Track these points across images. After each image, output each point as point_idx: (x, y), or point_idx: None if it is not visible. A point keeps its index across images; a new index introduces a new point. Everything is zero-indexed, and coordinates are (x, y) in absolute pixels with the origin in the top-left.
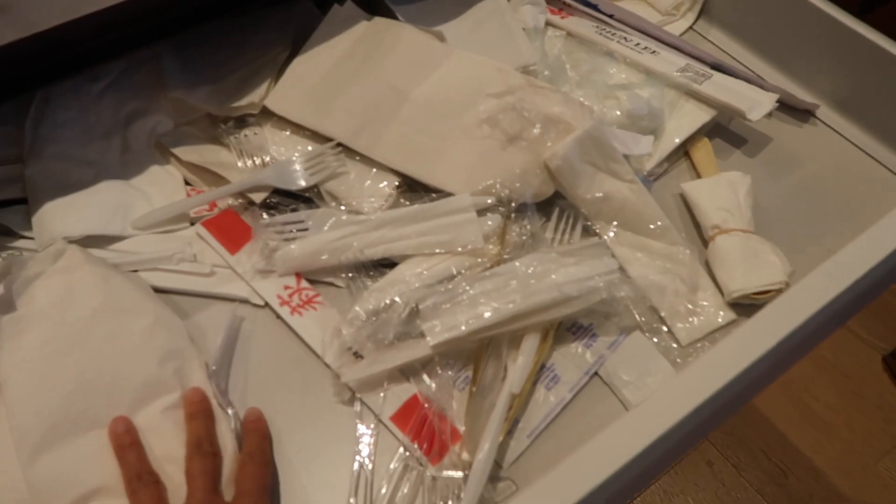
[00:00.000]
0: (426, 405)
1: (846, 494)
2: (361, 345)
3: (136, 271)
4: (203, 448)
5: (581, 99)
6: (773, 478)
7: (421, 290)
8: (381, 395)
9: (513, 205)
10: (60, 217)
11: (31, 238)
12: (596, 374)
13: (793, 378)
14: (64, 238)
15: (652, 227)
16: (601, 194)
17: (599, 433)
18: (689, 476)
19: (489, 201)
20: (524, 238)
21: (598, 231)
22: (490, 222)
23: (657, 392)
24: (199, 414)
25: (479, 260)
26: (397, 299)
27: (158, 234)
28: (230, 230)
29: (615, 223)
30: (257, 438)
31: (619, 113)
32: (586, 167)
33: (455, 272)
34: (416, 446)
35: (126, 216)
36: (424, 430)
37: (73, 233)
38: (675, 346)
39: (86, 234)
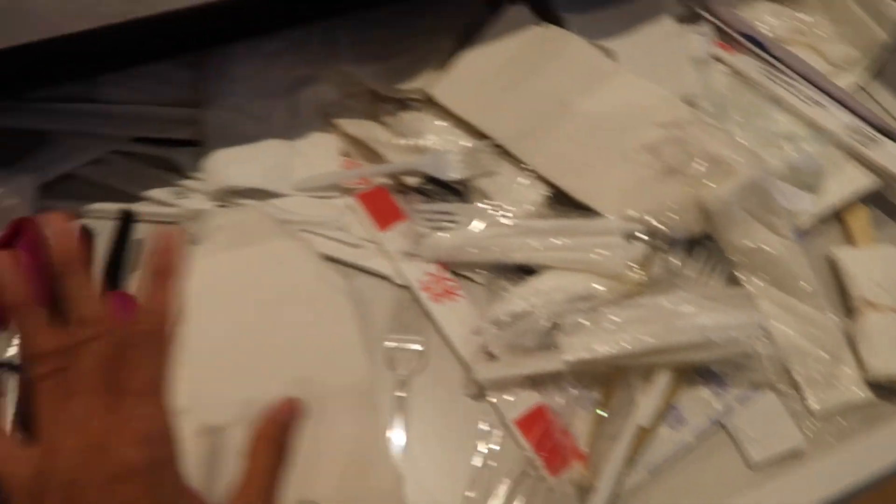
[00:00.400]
0: (552, 417)
1: None
2: (499, 346)
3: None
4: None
5: (744, 143)
6: None
7: (562, 304)
8: (510, 398)
9: (660, 238)
10: (230, 165)
11: (198, 179)
12: (722, 424)
13: None
14: (229, 187)
15: (800, 287)
16: (754, 245)
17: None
18: None
19: (638, 229)
20: (666, 272)
21: (743, 281)
22: (637, 250)
23: (789, 474)
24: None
25: (621, 285)
26: (539, 310)
27: (312, 199)
28: (381, 207)
29: (762, 276)
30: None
31: (780, 163)
32: (744, 214)
33: (595, 292)
34: (536, 454)
35: (286, 175)
36: (547, 441)
37: (239, 183)
38: (806, 412)
39: (250, 186)
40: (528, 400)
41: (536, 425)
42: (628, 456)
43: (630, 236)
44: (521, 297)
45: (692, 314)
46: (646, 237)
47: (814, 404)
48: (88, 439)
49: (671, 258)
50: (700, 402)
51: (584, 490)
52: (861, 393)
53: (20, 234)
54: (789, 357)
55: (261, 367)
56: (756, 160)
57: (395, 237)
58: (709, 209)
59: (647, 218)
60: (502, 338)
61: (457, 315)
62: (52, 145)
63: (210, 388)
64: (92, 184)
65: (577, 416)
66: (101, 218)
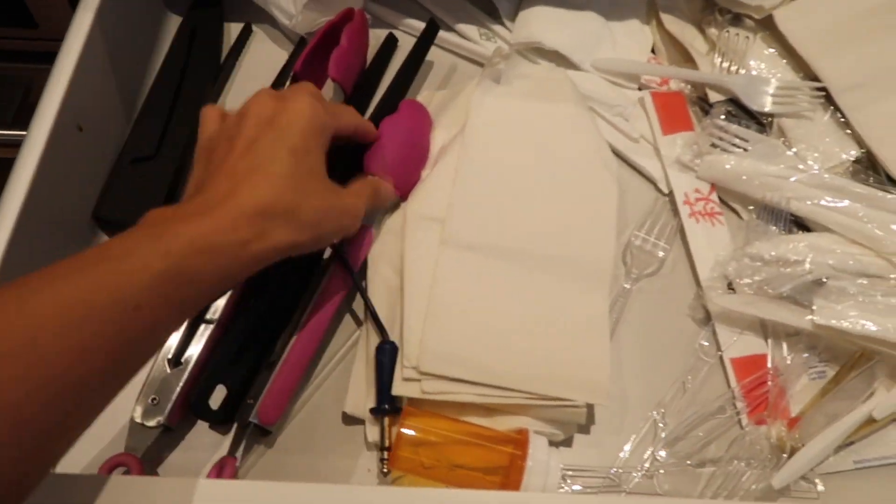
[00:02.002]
0: (772, 371)
1: None
2: (747, 281)
3: None
4: None
5: None
6: None
7: (832, 268)
8: (734, 335)
9: None
10: (542, 24)
11: (509, 28)
12: None
13: None
14: (534, 43)
15: None
16: None
17: None
18: None
19: None
20: None
21: None
22: None
23: None
24: None
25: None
26: (809, 261)
27: (605, 81)
28: (673, 111)
29: None
30: None
31: None
32: None
33: (873, 272)
34: (743, 398)
35: (590, 51)
36: (758, 391)
37: (546, 43)
38: None
39: (554, 48)
40: (753, 345)
41: (753, 372)
42: (844, 438)
43: None
44: (790, 243)
45: None
46: None
47: None
48: (258, 117)
49: None
50: None
51: (780, 450)
52: None
53: (349, 20)
54: None
55: (520, 212)
56: None
57: (675, 144)
58: None
59: None
60: (756, 274)
61: (710, 239)
62: None
63: (468, 210)
64: (415, 3)
65: (800, 381)
66: (409, 34)
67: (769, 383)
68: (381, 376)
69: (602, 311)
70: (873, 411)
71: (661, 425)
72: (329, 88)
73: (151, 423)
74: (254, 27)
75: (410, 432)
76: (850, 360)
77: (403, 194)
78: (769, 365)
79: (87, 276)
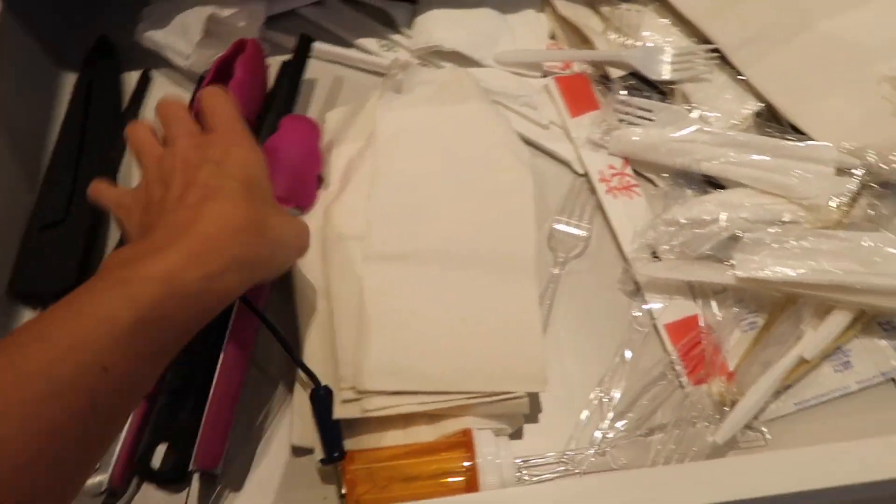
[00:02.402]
0: (705, 330)
1: None
2: (668, 247)
3: None
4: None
5: None
6: None
7: (747, 221)
8: (664, 301)
9: (877, 178)
10: (439, 27)
11: (408, 36)
12: (893, 380)
13: None
14: (434, 47)
15: None
16: None
17: (882, 437)
18: None
19: (854, 163)
20: (871, 215)
21: None
22: (846, 186)
23: None
24: None
25: (817, 217)
26: (723, 218)
27: (509, 73)
28: (578, 93)
29: None
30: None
31: None
32: None
33: (787, 219)
34: (681, 360)
35: (490, 46)
36: (694, 351)
37: (445, 45)
38: None
39: (455, 49)
40: (684, 308)
41: (687, 334)
42: (779, 383)
43: (841, 169)
44: (703, 204)
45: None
46: (860, 173)
47: None
48: (186, 159)
49: (883, 202)
50: (875, 352)
51: (722, 405)
52: None
53: (242, 51)
54: None
55: (438, 216)
56: None
57: (584, 125)
58: None
59: (867, 153)
60: (674, 239)
61: (629, 212)
62: None
63: (386, 223)
64: (311, 23)
65: (733, 334)
66: (310, 56)
67: (703, 342)
68: (323, 425)
69: (530, 301)
70: (804, 353)
71: (606, 401)
72: None
73: (96, 489)
74: (152, 73)
75: (360, 472)
76: (777, 306)
77: (303, 206)
78: (701, 324)
79: (46, 344)
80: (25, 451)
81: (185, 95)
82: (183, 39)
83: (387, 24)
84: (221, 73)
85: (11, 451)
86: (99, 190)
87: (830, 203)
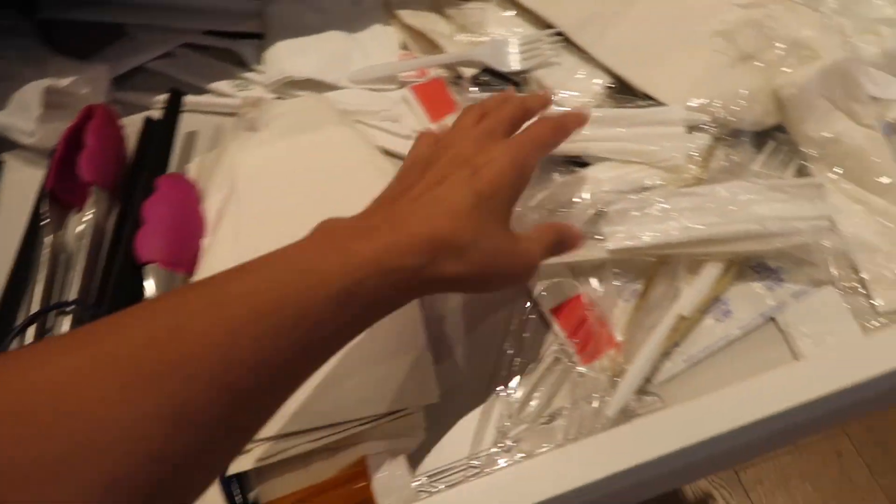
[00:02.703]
0: (589, 307)
1: None
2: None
3: None
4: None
5: (834, 25)
6: None
7: (611, 194)
8: (546, 287)
9: (726, 129)
10: (289, 57)
11: (261, 72)
12: (772, 319)
13: None
14: (287, 78)
15: (879, 181)
16: (831, 135)
17: (763, 374)
18: (813, 463)
19: (702, 119)
20: (727, 165)
21: (814, 174)
22: (699, 142)
23: (836, 348)
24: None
25: (677, 177)
26: (586, 196)
27: (367, 91)
28: (436, 99)
29: (837, 169)
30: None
31: (876, 51)
32: (822, 102)
33: (650, 184)
34: (570, 342)
35: (344, 67)
36: (582, 330)
37: (298, 74)
38: (869, 312)
39: (308, 77)
40: (567, 289)
41: (573, 314)
42: (664, 344)
43: (692, 126)
44: (567, 185)
45: (751, 203)
46: (710, 127)
47: (878, 301)
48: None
49: (736, 151)
50: (751, 297)
51: (614, 377)
52: None
53: (91, 118)
54: (857, 253)
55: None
56: (844, 43)
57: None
58: (783, 96)
59: (712, 107)
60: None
61: None
62: (127, 39)
63: None
64: (162, 76)
65: (617, 306)
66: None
67: (589, 319)
68: (223, 485)
69: (410, 314)
70: (681, 310)
71: (504, 396)
72: (92, 193)
73: None
74: (4, 157)
75: None
76: (653, 271)
77: (187, 269)
78: (585, 302)
79: (271, 279)
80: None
81: (38, 174)
82: (23, 117)
83: (238, 63)
84: (72, 144)
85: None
86: (422, 139)
87: (687, 163)
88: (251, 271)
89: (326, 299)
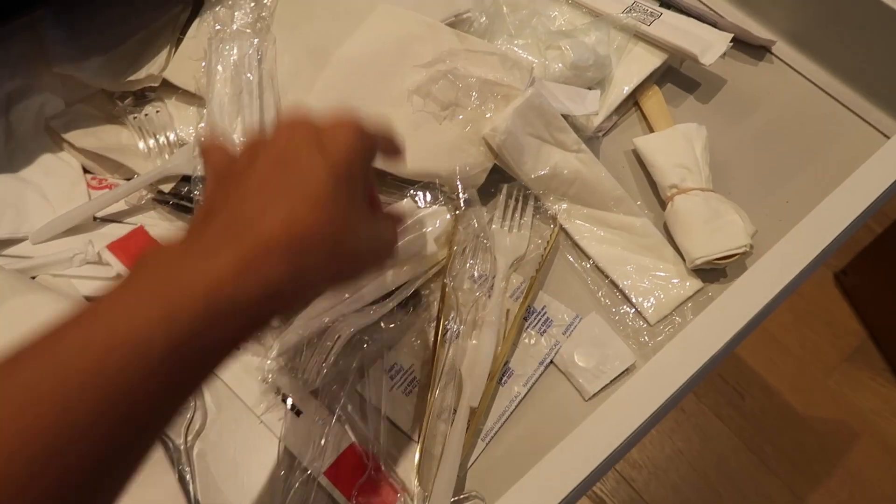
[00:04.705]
0: (364, 454)
1: (799, 411)
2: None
3: (34, 277)
4: None
5: (520, 52)
6: (731, 400)
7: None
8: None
9: (459, 197)
10: None
11: None
12: (552, 362)
13: None
14: None
15: (608, 197)
16: (549, 169)
17: (561, 443)
18: (665, 420)
19: (428, 198)
20: (474, 233)
21: (550, 207)
22: (437, 223)
23: (620, 392)
24: None
25: (431, 268)
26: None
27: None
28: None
29: (569, 198)
30: None
31: (561, 65)
32: (531, 140)
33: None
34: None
35: (18, 214)
36: (364, 485)
37: None
38: (643, 324)
39: None
40: (341, 444)
41: (353, 471)
42: (466, 444)
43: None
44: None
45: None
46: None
47: (648, 313)
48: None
49: (474, 218)
50: (526, 348)
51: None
52: (689, 285)
53: None
54: (610, 271)
55: None
56: (527, 76)
57: None
58: (494, 145)
59: (437, 183)
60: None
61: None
62: None
63: None
64: None
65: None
66: None
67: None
68: None
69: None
70: (471, 403)
71: None
72: None
73: None
74: None
75: None
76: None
77: None
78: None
79: (58, 375)
80: None
81: None
82: None
83: None
84: None
85: None
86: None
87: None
88: (58, 365)
89: (153, 367)
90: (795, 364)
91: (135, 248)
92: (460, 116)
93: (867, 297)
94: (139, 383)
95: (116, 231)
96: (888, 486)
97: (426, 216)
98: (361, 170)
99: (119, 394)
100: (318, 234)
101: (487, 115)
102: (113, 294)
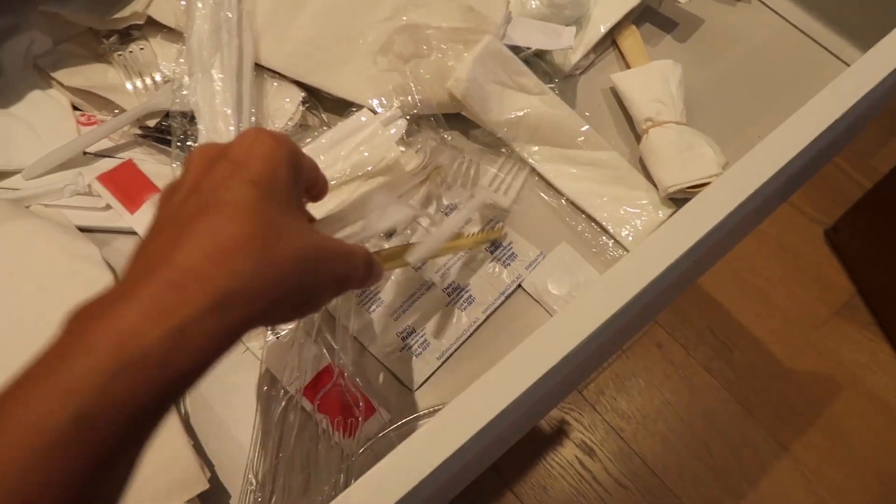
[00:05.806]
0: (337, 374)
1: (785, 364)
2: None
3: (28, 207)
4: None
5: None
6: (719, 353)
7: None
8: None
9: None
10: None
11: None
12: (520, 287)
13: (736, 255)
14: None
15: (576, 135)
16: (514, 114)
17: (523, 341)
18: (640, 359)
19: (395, 114)
20: (434, 145)
21: (518, 151)
22: (399, 131)
23: (583, 294)
24: None
25: (403, 174)
26: None
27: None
28: (129, 186)
29: (537, 141)
30: None
31: (539, 2)
32: (493, 87)
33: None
34: (328, 420)
35: (9, 149)
36: (337, 403)
37: None
38: (623, 253)
39: None
40: (318, 363)
41: (323, 388)
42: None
43: (387, 122)
44: None
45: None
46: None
47: (626, 241)
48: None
49: (443, 132)
50: (489, 278)
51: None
52: (662, 212)
53: None
54: (586, 205)
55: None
56: (486, 22)
57: (147, 215)
58: (458, 94)
59: (398, 99)
60: None
61: None
62: None
63: None
64: None
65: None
66: None
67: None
68: None
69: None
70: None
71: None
72: None
73: None
74: None
75: None
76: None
77: None
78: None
79: None
80: None
81: None
82: None
83: None
84: None
85: None
86: None
87: (398, 153)
88: None
89: (51, 449)
90: (784, 318)
91: (124, 181)
92: (421, 70)
93: (857, 253)
94: (62, 474)
95: (107, 165)
96: (869, 435)
97: (385, 119)
98: (288, 176)
99: (48, 486)
100: (241, 242)
101: (450, 64)
102: (32, 367)
